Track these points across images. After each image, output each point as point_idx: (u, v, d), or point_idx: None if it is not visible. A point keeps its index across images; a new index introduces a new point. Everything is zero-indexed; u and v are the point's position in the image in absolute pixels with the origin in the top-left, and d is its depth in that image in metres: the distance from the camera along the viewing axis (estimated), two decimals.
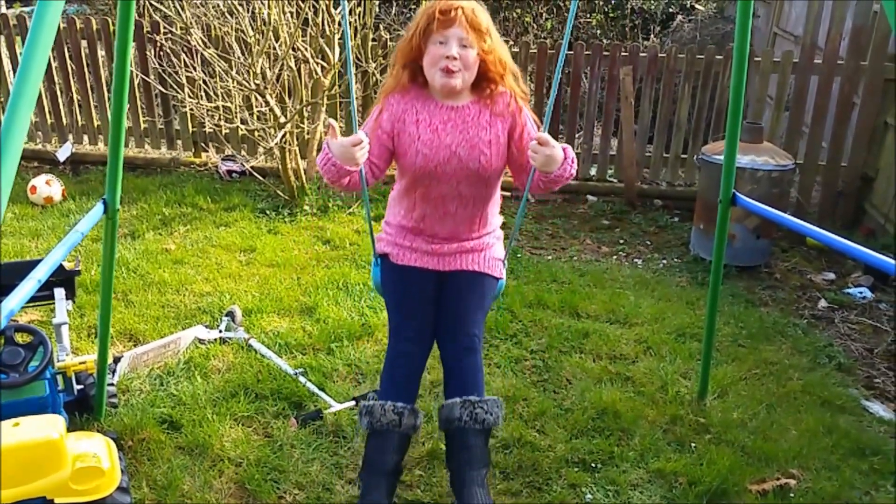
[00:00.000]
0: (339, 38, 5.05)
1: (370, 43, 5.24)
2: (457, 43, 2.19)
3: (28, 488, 1.90)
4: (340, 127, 5.66)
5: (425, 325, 2.36)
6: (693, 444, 2.75)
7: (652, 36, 8.44)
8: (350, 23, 5.01)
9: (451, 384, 2.31)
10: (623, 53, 5.38)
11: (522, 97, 2.35)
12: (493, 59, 2.26)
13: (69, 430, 2.14)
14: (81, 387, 2.72)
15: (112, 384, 2.81)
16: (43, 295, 2.82)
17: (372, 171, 2.32)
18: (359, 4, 4.99)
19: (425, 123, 2.29)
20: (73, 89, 5.94)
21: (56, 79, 5.95)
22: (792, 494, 2.51)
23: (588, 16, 8.63)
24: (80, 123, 6.06)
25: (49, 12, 1.37)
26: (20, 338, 2.44)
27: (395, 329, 2.38)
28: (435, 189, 2.32)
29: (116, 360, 3.00)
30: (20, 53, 5.87)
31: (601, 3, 8.67)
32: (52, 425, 1.99)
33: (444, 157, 2.27)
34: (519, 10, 8.49)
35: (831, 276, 4.46)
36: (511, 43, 5.62)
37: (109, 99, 5.97)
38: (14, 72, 6.01)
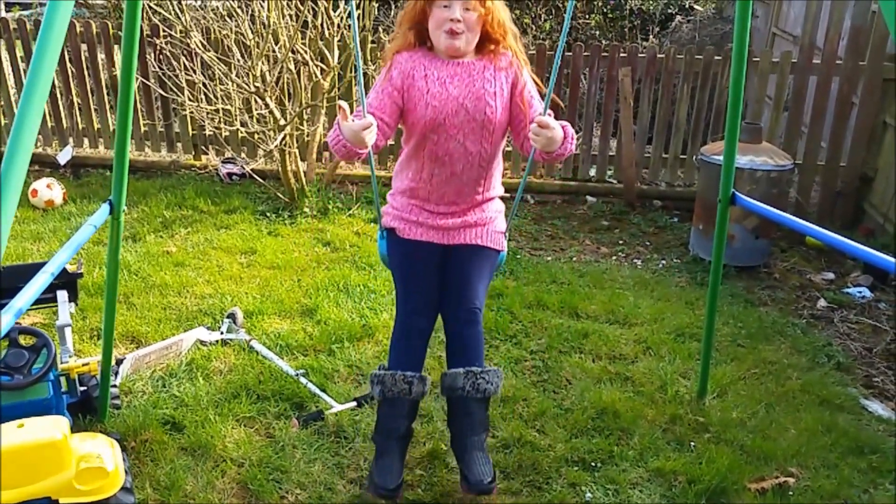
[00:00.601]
0: (339, 41, 5.07)
1: (369, 45, 5.26)
2: (460, 6, 2.31)
3: (33, 489, 1.92)
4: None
5: (431, 296, 2.47)
6: (692, 444, 2.77)
7: (651, 36, 8.46)
8: (349, 26, 5.03)
9: (454, 354, 2.44)
10: (622, 54, 5.40)
11: (523, 58, 2.46)
12: (493, 21, 2.37)
13: (73, 431, 2.16)
14: (84, 388, 2.74)
15: (115, 386, 2.83)
16: (46, 297, 2.84)
17: (382, 129, 2.36)
18: (357, 7, 5.01)
19: (433, 77, 2.38)
20: (74, 93, 5.96)
21: (56, 82, 5.96)
22: (791, 493, 2.52)
23: (587, 17, 8.66)
24: (80, 127, 6.08)
25: (56, 23, 1.38)
26: (24, 340, 2.46)
27: (403, 301, 2.48)
28: (442, 146, 2.40)
29: (119, 361, 3.02)
30: (21, 58, 5.91)
31: (600, 3, 8.69)
32: (56, 426, 2.00)
33: (453, 110, 2.36)
34: (518, 12, 8.51)
35: (830, 275, 4.47)
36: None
37: (109, 102, 6.00)
38: (13, 76, 6.03)
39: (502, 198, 2.66)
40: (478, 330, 2.43)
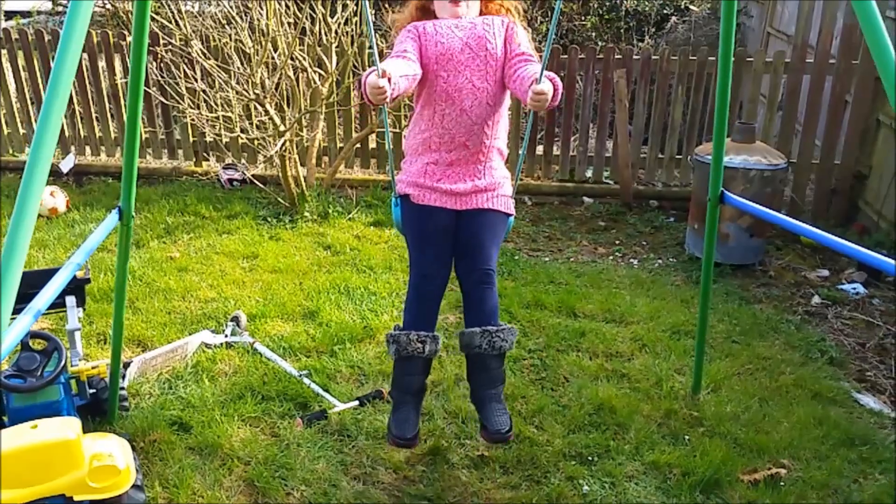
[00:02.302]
0: (336, 47, 5.14)
1: (367, 51, 5.33)
2: None
3: (48, 486, 1.99)
4: (339, 135, 5.67)
5: (444, 259, 2.62)
6: (687, 437, 2.84)
7: (647, 37, 8.53)
8: (346, 32, 5.11)
9: (471, 314, 2.59)
10: (616, 57, 5.47)
11: (517, 13, 2.73)
12: None
13: (83, 433, 2.22)
14: (94, 391, 2.81)
15: (123, 388, 2.90)
16: (54, 302, 2.90)
17: (410, 66, 2.49)
18: (355, 14, 5.09)
19: (440, 25, 2.64)
20: (76, 101, 6.03)
21: None
22: (782, 483, 2.59)
23: (583, 18, 8.73)
24: (82, 135, 6.15)
25: (74, 38, 1.45)
26: (35, 344, 2.53)
27: (417, 263, 2.63)
28: (452, 82, 2.57)
29: (126, 365, 3.08)
30: (22, 67, 5.99)
31: (596, 5, 8.77)
32: (69, 427, 2.07)
33: (458, 47, 2.58)
34: None
35: (825, 272, 4.53)
36: None
37: (110, 110, 6.07)
38: (14, 84, 6.10)
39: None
40: (492, 290, 2.59)
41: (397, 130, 5.47)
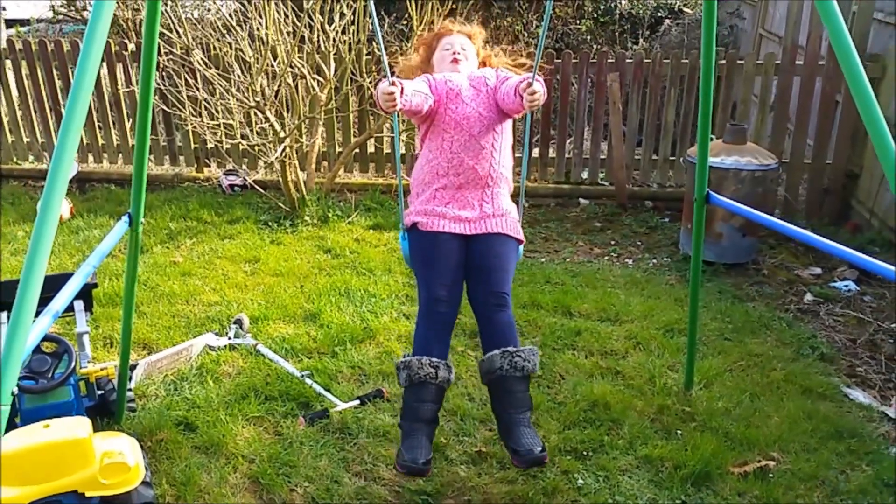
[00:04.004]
0: (335, 54, 5.23)
1: (364, 57, 5.42)
2: (459, 42, 2.91)
3: (60, 483, 2.07)
4: (338, 140, 5.75)
5: (454, 285, 2.59)
6: (679, 432, 2.91)
7: (641, 40, 8.62)
8: (344, 41, 5.19)
9: (488, 339, 2.53)
10: (609, 60, 5.55)
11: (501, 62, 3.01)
12: (481, 47, 3.02)
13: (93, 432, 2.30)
14: (102, 392, 2.89)
15: (130, 390, 2.98)
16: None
17: (422, 95, 2.65)
18: (352, 23, 5.17)
19: (446, 73, 2.85)
20: None
21: (61, 99, 6.13)
22: (771, 475, 2.66)
23: (577, 22, 8.82)
24: (85, 143, 6.24)
25: (94, 49, 1.52)
26: (46, 346, 2.61)
27: (427, 289, 2.58)
28: (460, 111, 2.71)
29: (132, 367, 3.16)
30: (26, 76, 6.07)
31: (590, 9, 8.86)
32: (80, 426, 2.15)
33: (465, 85, 2.78)
34: (510, 19, 8.68)
35: (818, 270, 4.60)
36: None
37: (112, 118, 6.15)
38: (18, 93, 6.19)
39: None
40: (509, 315, 2.55)
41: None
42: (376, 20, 2.38)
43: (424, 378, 2.42)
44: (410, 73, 2.95)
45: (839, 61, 1.72)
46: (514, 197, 2.85)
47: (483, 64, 2.97)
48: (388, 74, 2.45)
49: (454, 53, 2.86)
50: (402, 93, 2.44)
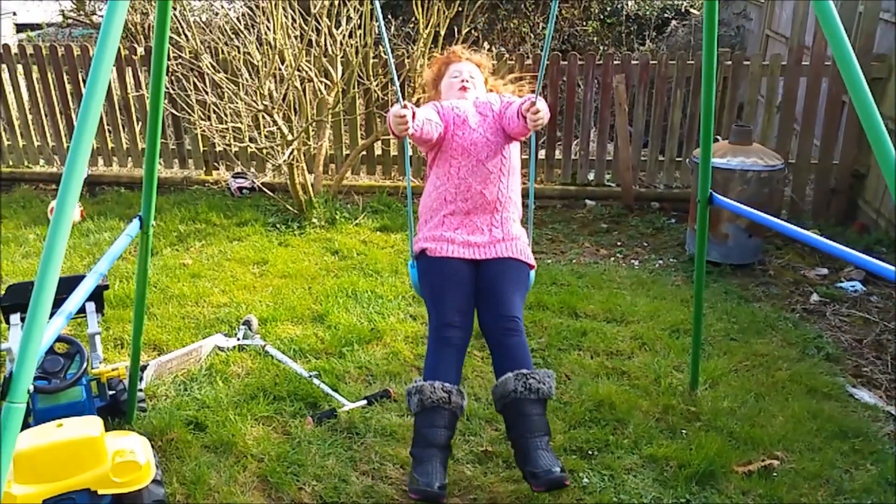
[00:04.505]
0: (342, 58, 5.27)
1: (371, 61, 5.46)
2: (467, 70, 2.98)
3: (73, 481, 2.11)
4: (346, 143, 5.80)
5: (464, 309, 2.57)
6: (684, 431, 2.93)
7: (647, 41, 8.63)
8: (351, 44, 5.23)
9: (501, 363, 2.49)
10: (615, 62, 5.57)
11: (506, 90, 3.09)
12: (488, 76, 3.11)
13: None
14: (113, 392, 2.93)
15: (140, 390, 3.02)
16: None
17: (432, 124, 2.70)
18: (359, 27, 5.21)
19: (453, 101, 2.92)
20: None
21: (71, 103, 6.19)
22: (775, 474, 2.68)
23: (584, 23, 8.83)
24: (95, 146, 6.30)
25: (106, 56, 1.56)
26: (59, 347, 2.65)
27: (437, 315, 2.56)
28: (468, 137, 2.75)
29: (143, 368, 3.20)
30: (37, 79, 6.14)
31: (597, 10, 8.87)
32: (92, 425, 2.19)
33: (472, 111, 2.85)
34: (516, 21, 8.71)
35: (824, 271, 4.60)
36: (507, 55, 5.82)
37: (122, 122, 6.22)
38: (29, 97, 6.26)
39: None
40: (522, 339, 2.49)
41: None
42: (386, 38, 2.42)
43: (437, 402, 2.37)
44: (430, 85, 3.12)
45: (837, 64, 1.74)
46: (524, 199, 2.88)
47: (490, 91, 3.03)
48: (400, 97, 2.48)
49: (463, 81, 2.93)
50: (413, 117, 2.46)
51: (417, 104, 5.31)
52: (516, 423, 2.39)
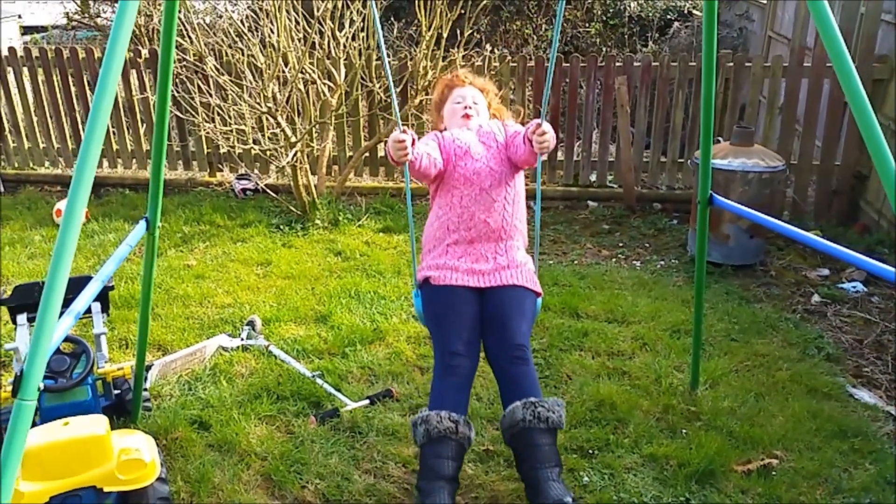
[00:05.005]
0: (345, 60, 5.30)
1: (374, 63, 5.49)
2: (470, 95, 2.94)
3: (79, 478, 2.13)
4: (349, 144, 5.83)
5: (470, 338, 2.51)
6: (684, 431, 2.95)
7: (650, 42, 8.65)
8: (354, 46, 5.26)
9: (508, 393, 2.43)
10: (617, 64, 5.59)
11: (507, 112, 3.10)
12: (492, 101, 3.06)
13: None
14: (118, 392, 2.96)
15: (145, 389, 3.05)
16: None
17: (432, 158, 2.69)
18: (361, 30, 5.24)
19: (454, 131, 2.89)
20: None
21: (76, 105, 6.24)
22: (774, 473, 2.70)
23: (587, 25, 8.86)
24: None
25: (113, 70, 1.59)
26: (65, 347, 2.68)
27: (442, 344, 2.51)
28: (471, 167, 2.72)
29: (147, 368, 3.23)
30: (42, 81, 6.19)
31: (599, 12, 8.89)
32: (98, 423, 2.22)
33: (474, 140, 2.81)
34: (519, 23, 8.73)
35: (825, 272, 4.61)
36: (509, 57, 5.84)
37: (127, 124, 6.26)
38: (34, 99, 6.30)
39: None
40: (529, 368, 2.44)
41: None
42: (387, 62, 2.43)
43: (444, 432, 2.32)
44: (435, 107, 3.08)
45: (833, 62, 1.76)
46: (529, 209, 2.90)
47: (493, 117, 3.00)
48: (399, 122, 2.49)
49: (466, 108, 2.88)
50: (413, 143, 2.46)
51: (420, 107, 5.34)
52: (526, 455, 2.35)
